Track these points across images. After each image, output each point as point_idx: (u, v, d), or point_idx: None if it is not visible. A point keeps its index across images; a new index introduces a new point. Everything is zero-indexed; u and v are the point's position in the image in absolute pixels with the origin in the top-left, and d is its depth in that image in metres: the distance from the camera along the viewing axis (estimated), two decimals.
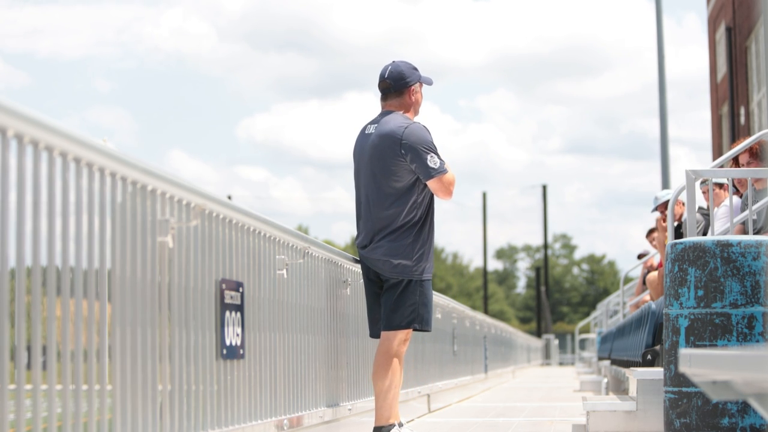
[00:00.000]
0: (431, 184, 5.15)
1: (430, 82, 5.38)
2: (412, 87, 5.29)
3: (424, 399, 8.41)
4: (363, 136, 5.32)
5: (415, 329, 5.26)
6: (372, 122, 5.35)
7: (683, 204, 7.86)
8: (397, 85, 5.29)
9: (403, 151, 5.11)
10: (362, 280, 5.50)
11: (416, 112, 5.35)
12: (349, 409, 5.94)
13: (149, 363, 3.38)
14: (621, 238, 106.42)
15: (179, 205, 3.66)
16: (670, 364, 4.90)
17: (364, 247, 5.30)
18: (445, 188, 5.15)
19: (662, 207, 8.66)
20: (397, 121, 5.21)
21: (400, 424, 5.29)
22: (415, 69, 5.33)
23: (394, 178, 5.16)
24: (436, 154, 5.14)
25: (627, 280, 14.70)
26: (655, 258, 11.34)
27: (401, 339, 5.23)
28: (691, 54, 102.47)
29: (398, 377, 5.23)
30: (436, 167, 5.10)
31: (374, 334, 5.43)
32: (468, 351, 12.23)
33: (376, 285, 5.36)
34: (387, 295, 5.25)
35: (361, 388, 6.35)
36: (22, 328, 2.68)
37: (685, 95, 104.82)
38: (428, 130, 5.22)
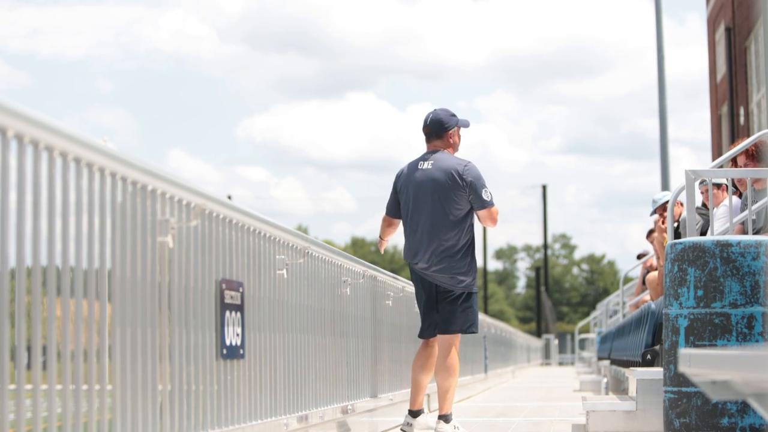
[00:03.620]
0: (482, 212, 6.13)
1: (467, 125, 6.30)
2: (450, 131, 6.23)
3: (423, 399, 8.40)
4: (418, 171, 6.19)
5: (472, 332, 6.16)
6: (423, 159, 6.23)
7: (682, 204, 7.86)
8: (438, 131, 6.22)
9: (464, 184, 6.07)
10: (414, 291, 6.33)
11: (456, 151, 6.26)
12: (350, 409, 5.94)
13: (149, 363, 3.39)
14: (621, 238, 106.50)
15: (179, 205, 3.66)
16: (670, 364, 4.90)
17: (427, 266, 6.11)
18: (493, 217, 6.14)
19: (660, 209, 8.66)
20: (454, 159, 6.18)
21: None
22: (453, 115, 6.26)
23: (456, 206, 6.09)
24: (488, 189, 6.12)
25: (627, 280, 14.70)
26: (655, 258, 11.34)
27: (459, 341, 6.15)
28: (692, 54, 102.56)
29: (458, 373, 6.18)
30: (488, 199, 6.10)
31: (424, 335, 6.24)
32: (468, 351, 12.23)
33: (432, 296, 6.17)
34: (449, 305, 6.10)
35: (362, 387, 6.36)
36: (22, 328, 2.68)
37: (685, 95, 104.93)
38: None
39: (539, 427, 7.20)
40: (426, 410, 6.47)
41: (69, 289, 2.92)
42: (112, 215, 3.19)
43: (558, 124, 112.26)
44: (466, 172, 6.06)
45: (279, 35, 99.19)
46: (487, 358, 14.63)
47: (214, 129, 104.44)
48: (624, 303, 13.45)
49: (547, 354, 37.57)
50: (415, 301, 6.38)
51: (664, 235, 8.16)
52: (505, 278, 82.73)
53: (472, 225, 6.16)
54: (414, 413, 6.32)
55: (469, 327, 6.10)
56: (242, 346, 4.22)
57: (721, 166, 6.56)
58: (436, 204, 6.09)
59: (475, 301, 6.15)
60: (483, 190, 6.07)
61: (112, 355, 3.16)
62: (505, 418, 8.32)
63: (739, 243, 4.78)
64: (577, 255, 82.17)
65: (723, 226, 6.52)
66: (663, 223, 8.37)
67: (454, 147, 6.24)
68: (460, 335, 6.11)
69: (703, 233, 6.95)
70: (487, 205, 6.07)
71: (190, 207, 3.72)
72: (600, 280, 78.18)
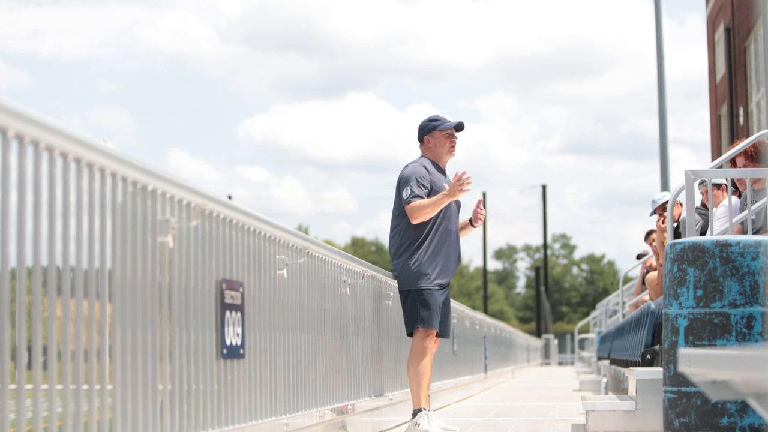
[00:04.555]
0: (405, 210, 6.26)
1: (449, 126, 6.36)
2: (425, 137, 6.45)
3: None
4: None
5: (421, 328, 6.22)
6: None
7: (681, 205, 7.86)
8: (418, 138, 6.50)
9: (397, 185, 6.34)
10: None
11: (438, 155, 6.41)
12: (350, 409, 5.95)
13: (149, 363, 3.39)
14: (620, 238, 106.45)
15: (179, 205, 3.66)
16: (670, 364, 4.91)
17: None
18: (409, 214, 6.23)
19: (660, 209, 8.66)
20: (409, 162, 6.44)
21: (425, 409, 6.24)
22: (433, 121, 6.42)
23: (397, 206, 6.38)
24: (413, 186, 6.19)
25: (626, 280, 14.71)
26: (654, 258, 11.34)
27: (419, 338, 6.26)
28: (692, 54, 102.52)
29: (421, 370, 6.22)
30: (405, 197, 6.23)
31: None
32: (468, 351, 12.24)
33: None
34: (402, 304, 6.40)
35: (362, 387, 6.36)
36: (22, 328, 2.69)
37: (685, 96, 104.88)
38: (426, 168, 6.29)
39: (539, 427, 7.21)
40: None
41: (69, 289, 2.92)
42: (113, 215, 3.20)
43: (558, 124, 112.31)
44: (401, 173, 6.34)
45: (279, 35, 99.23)
46: (486, 357, 14.64)
47: (214, 129, 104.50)
48: (623, 303, 13.46)
49: (546, 354, 37.58)
50: None
51: (664, 235, 8.16)
52: (505, 278, 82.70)
53: (422, 223, 6.23)
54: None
55: (415, 323, 6.21)
56: (242, 346, 4.22)
57: (721, 167, 6.56)
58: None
59: (422, 299, 6.20)
60: (405, 188, 6.22)
61: (113, 355, 3.17)
62: (505, 417, 8.33)
63: (738, 243, 4.78)
64: (577, 255, 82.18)
65: (722, 226, 6.52)
66: (663, 223, 8.38)
67: (433, 151, 6.41)
68: (420, 332, 6.21)
69: (703, 233, 6.95)
70: (404, 202, 6.22)
71: (190, 207, 3.73)
72: (600, 280, 78.14)
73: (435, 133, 6.40)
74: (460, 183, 6.06)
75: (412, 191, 6.21)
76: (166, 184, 3.52)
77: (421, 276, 6.23)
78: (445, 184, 6.32)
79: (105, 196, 3.15)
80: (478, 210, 6.52)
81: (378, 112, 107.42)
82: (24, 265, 2.69)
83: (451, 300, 7.02)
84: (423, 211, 6.18)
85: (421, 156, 6.44)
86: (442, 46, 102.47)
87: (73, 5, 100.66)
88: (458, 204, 6.46)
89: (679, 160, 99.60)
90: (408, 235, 6.27)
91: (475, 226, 6.57)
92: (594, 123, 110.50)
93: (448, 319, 6.44)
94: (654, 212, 8.77)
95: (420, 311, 6.21)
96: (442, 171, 6.46)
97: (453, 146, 6.40)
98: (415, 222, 6.22)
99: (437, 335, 6.34)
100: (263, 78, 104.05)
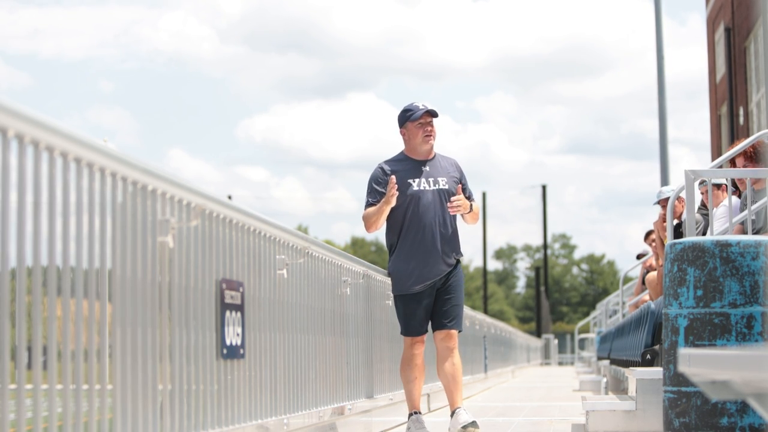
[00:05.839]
0: None
1: (418, 116, 6.04)
2: (401, 130, 6.18)
3: (423, 399, 8.40)
4: None
5: (404, 335, 6.20)
6: None
7: (683, 204, 7.86)
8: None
9: None
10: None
11: (413, 146, 6.12)
12: (349, 409, 5.95)
13: (149, 363, 3.39)
14: (620, 238, 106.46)
15: (179, 205, 3.66)
16: (670, 364, 4.90)
17: None
18: (363, 225, 6.12)
19: (664, 202, 8.66)
20: None
21: (416, 413, 6.22)
22: (405, 111, 6.13)
23: None
24: (368, 195, 6.08)
25: (626, 279, 14.72)
26: (654, 258, 11.33)
27: (406, 344, 6.21)
28: (692, 54, 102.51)
29: (409, 375, 6.17)
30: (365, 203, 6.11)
31: None
32: (467, 351, 12.24)
33: None
34: None
35: (361, 387, 6.36)
36: (22, 328, 2.69)
37: (685, 95, 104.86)
38: (383, 169, 6.08)
39: (539, 427, 7.20)
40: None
41: (69, 289, 2.92)
42: (113, 215, 3.20)
43: (558, 124, 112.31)
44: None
45: (279, 36, 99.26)
46: (486, 357, 14.64)
47: (214, 129, 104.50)
48: (623, 303, 13.46)
49: (546, 354, 37.58)
50: None
51: (664, 233, 8.16)
52: (505, 278, 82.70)
53: (391, 226, 6.08)
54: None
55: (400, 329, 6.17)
56: (242, 345, 4.22)
57: (721, 167, 6.56)
58: None
59: (397, 304, 6.14)
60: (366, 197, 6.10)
61: (113, 355, 3.17)
62: (505, 417, 8.33)
63: (738, 243, 4.78)
64: (577, 255, 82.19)
65: (723, 226, 6.52)
66: (664, 219, 8.38)
67: (408, 144, 6.13)
68: (405, 338, 6.16)
69: (703, 233, 6.95)
70: None
71: (190, 207, 3.72)
72: (600, 280, 78.15)
73: (408, 125, 6.09)
74: (389, 189, 5.92)
75: (367, 201, 6.07)
76: (166, 184, 3.52)
77: (398, 281, 6.09)
78: (412, 180, 6.02)
79: (105, 196, 3.15)
80: (451, 200, 6.05)
81: (378, 112, 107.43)
82: (24, 265, 2.69)
83: None
84: (369, 220, 6.02)
85: (401, 151, 6.18)
86: (442, 46, 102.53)
87: (73, 5, 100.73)
88: (443, 194, 6.05)
89: (679, 160, 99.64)
90: (386, 238, 6.17)
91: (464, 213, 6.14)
92: (594, 123, 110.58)
93: (450, 312, 6.04)
94: (658, 203, 8.78)
95: (400, 318, 6.15)
96: (421, 163, 6.09)
97: (428, 135, 6.05)
98: (370, 231, 6.14)
99: (446, 328, 6.04)
100: (263, 78, 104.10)
